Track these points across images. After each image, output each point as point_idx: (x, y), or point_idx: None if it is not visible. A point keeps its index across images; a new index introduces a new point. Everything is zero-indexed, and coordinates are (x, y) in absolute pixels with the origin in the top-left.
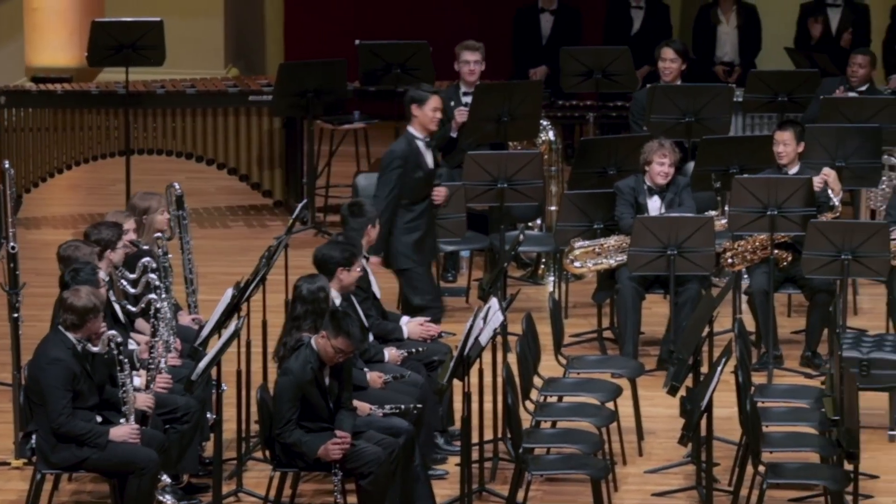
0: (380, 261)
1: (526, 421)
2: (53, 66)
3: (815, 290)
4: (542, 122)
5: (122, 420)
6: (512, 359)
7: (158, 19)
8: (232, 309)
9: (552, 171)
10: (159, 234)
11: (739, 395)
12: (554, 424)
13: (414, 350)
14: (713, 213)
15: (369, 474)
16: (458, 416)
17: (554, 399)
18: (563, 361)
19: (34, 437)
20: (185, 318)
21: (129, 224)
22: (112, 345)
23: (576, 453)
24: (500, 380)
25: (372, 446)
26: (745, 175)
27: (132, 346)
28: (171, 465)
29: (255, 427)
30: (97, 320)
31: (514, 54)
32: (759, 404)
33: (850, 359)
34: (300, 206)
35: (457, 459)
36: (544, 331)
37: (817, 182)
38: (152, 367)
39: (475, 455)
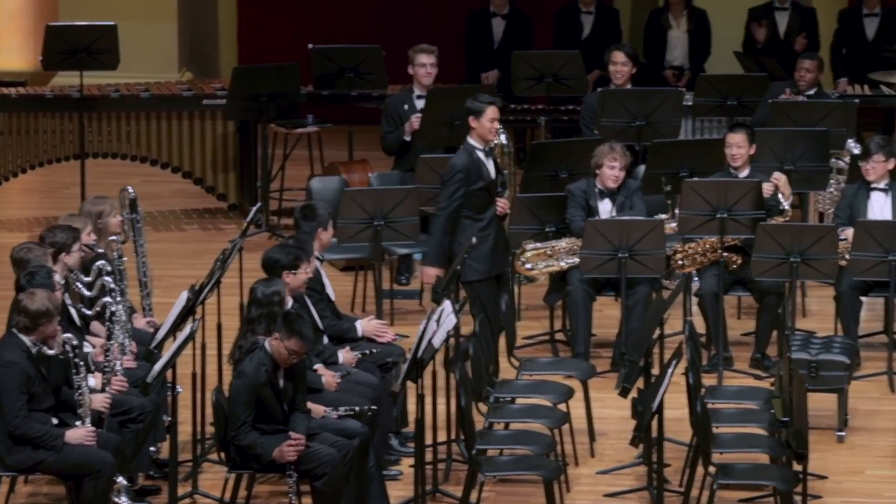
0: (440, 272)
1: (479, 422)
2: (7, 70)
3: (763, 293)
4: None
5: (77, 422)
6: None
7: (112, 23)
8: (187, 312)
9: (505, 174)
10: (114, 238)
11: (690, 397)
12: (507, 426)
13: (368, 351)
14: (663, 216)
15: (324, 475)
16: (411, 417)
17: (507, 401)
18: (516, 363)
19: None
20: (139, 321)
21: (86, 227)
22: (67, 347)
23: (528, 454)
24: (453, 381)
25: (326, 448)
26: (695, 178)
27: (88, 348)
28: (125, 465)
29: (210, 429)
30: (51, 323)
31: (467, 58)
32: (710, 406)
33: (798, 360)
34: (254, 209)
35: (411, 461)
36: None
37: (768, 187)
38: (108, 369)
39: (429, 456)
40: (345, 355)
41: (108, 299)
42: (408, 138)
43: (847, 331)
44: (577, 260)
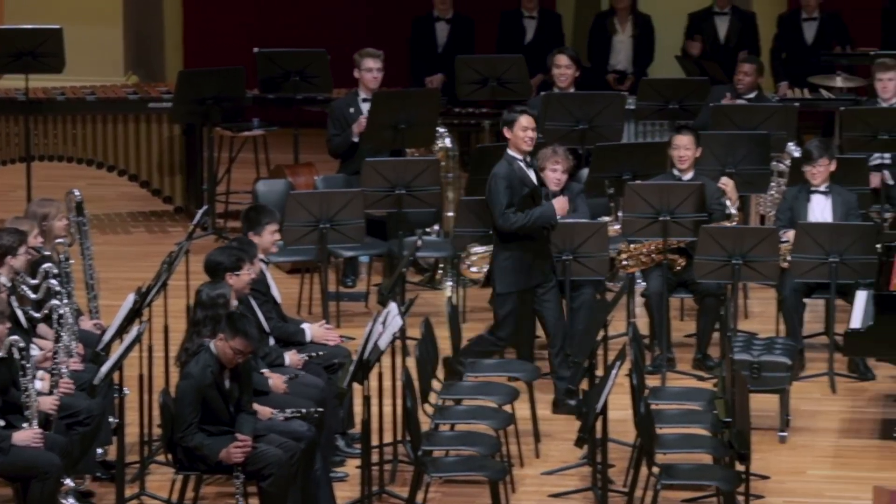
0: (562, 203)
1: (425, 424)
2: None
3: (704, 294)
4: (438, 129)
5: (24, 424)
6: (411, 363)
7: (58, 27)
8: (134, 314)
9: (449, 177)
10: (60, 240)
11: (634, 398)
12: (452, 427)
13: (314, 354)
14: (607, 218)
15: (270, 476)
16: (358, 419)
17: (452, 402)
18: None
19: None
20: (86, 323)
21: (32, 230)
22: (14, 349)
23: (474, 455)
24: (399, 383)
25: (273, 449)
26: (638, 181)
27: (35, 351)
28: (71, 467)
29: (157, 431)
30: None
31: (411, 62)
32: (653, 406)
33: (741, 361)
34: (201, 212)
35: (357, 462)
36: (442, 335)
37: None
38: (55, 371)
39: (375, 457)
40: (291, 357)
41: (55, 301)
42: (356, 139)
43: (789, 332)
44: None
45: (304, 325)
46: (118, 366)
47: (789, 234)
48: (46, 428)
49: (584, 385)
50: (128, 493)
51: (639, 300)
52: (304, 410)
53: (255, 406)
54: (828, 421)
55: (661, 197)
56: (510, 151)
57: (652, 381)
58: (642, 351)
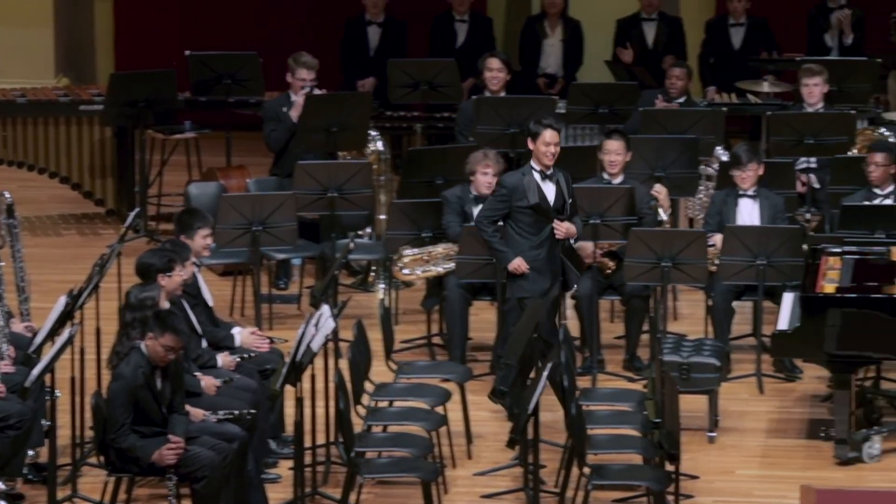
0: (519, 262)
1: (357, 425)
2: None
3: (630, 296)
4: (370, 132)
5: None
6: (343, 364)
7: None
8: (65, 316)
9: (381, 180)
10: None
11: (565, 399)
12: (385, 429)
13: (246, 356)
14: None
15: (203, 478)
16: (290, 420)
17: (385, 404)
18: (394, 367)
19: None
20: (17, 326)
21: None
22: None
23: (406, 457)
24: (331, 385)
25: (206, 451)
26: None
27: None
28: (1, 469)
29: (89, 433)
30: None
31: (343, 65)
32: (584, 408)
33: (670, 363)
34: (132, 214)
35: (290, 463)
36: (375, 337)
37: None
38: None
39: (308, 459)
40: (224, 360)
41: None
42: (294, 119)
43: (718, 334)
44: (453, 265)
45: (234, 331)
46: (50, 368)
47: (716, 238)
48: None
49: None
50: (60, 495)
51: (569, 302)
52: (236, 412)
53: (188, 408)
54: (756, 421)
55: (591, 200)
56: (532, 162)
57: (583, 383)
58: (573, 352)
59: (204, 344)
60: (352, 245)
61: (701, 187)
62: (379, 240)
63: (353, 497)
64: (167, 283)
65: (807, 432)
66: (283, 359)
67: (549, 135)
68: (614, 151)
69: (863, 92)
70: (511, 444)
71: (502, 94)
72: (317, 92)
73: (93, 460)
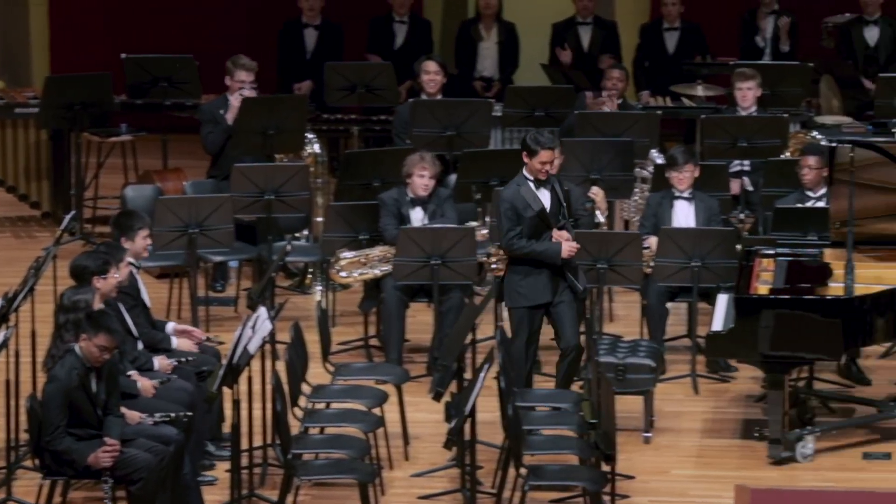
0: (567, 238)
1: (294, 427)
2: None
3: None
4: (307, 135)
5: None
6: (280, 366)
7: None
8: (0, 319)
9: (318, 182)
10: None
11: (502, 400)
12: (322, 430)
13: (184, 359)
14: (474, 223)
15: (139, 481)
16: (227, 422)
17: (322, 405)
18: (331, 369)
19: None
20: None
21: None
22: None
23: (343, 458)
24: (268, 387)
25: (142, 453)
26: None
27: None
28: None
29: (24, 436)
30: None
31: (280, 68)
32: (521, 409)
33: (606, 364)
34: (68, 217)
35: (226, 465)
36: (312, 339)
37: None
38: None
39: (245, 461)
40: (161, 362)
41: None
42: (230, 122)
43: (653, 335)
44: (390, 267)
45: (170, 333)
46: None
47: (651, 240)
48: None
49: (453, 388)
50: None
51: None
52: (173, 414)
53: (124, 410)
54: (691, 421)
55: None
56: (524, 172)
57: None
58: (510, 354)
59: (140, 346)
60: (289, 247)
61: (636, 190)
62: (316, 242)
63: (289, 499)
64: (102, 285)
65: (741, 432)
66: (220, 361)
67: (545, 155)
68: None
69: (795, 96)
70: (448, 444)
71: (439, 96)
72: (247, 93)
73: (28, 463)
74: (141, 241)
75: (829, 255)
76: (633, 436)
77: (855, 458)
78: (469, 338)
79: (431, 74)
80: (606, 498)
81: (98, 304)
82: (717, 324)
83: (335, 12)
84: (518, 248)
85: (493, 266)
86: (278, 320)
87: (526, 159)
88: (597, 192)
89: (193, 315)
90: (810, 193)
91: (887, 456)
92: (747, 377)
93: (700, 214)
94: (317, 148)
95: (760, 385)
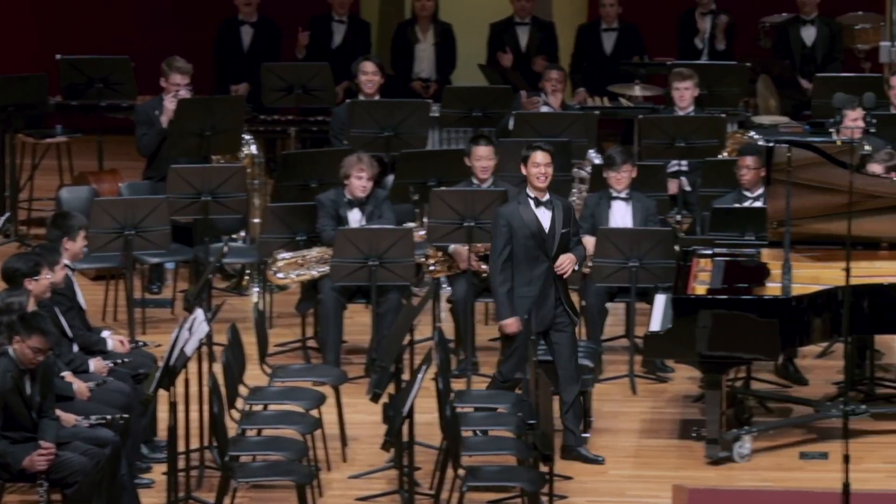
0: (515, 321)
1: (232, 429)
2: None
3: None
4: (244, 136)
5: None
6: (217, 368)
7: None
8: None
9: (255, 184)
10: None
11: (440, 401)
12: (259, 432)
13: (119, 361)
14: (412, 224)
15: (75, 484)
16: (163, 425)
17: (259, 407)
18: (268, 370)
19: None
20: None
21: None
22: None
23: (281, 460)
24: (205, 389)
25: (77, 456)
26: (443, 188)
27: None
28: None
29: None
30: None
31: (216, 67)
32: (459, 410)
33: (544, 364)
34: (3, 219)
35: (163, 468)
36: (249, 340)
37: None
38: None
39: (181, 463)
40: (96, 364)
41: None
42: (165, 125)
43: (591, 335)
44: (328, 268)
45: (105, 336)
46: None
47: (587, 241)
48: None
49: (391, 389)
50: None
51: (444, 305)
52: (108, 417)
53: (60, 413)
54: (629, 422)
55: (465, 203)
56: (527, 189)
57: (458, 385)
58: (448, 355)
59: (75, 348)
60: (226, 249)
61: (574, 190)
62: (253, 243)
63: (227, 501)
64: (34, 287)
65: (679, 432)
66: (157, 363)
67: (539, 156)
68: (486, 157)
69: (733, 95)
70: (386, 446)
71: (377, 97)
72: (183, 94)
73: None
74: (82, 240)
75: (767, 255)
76: None
77: (792, 457)
78: (407, 339)
79: (369, 75)
80: (545, 498)
81: (32, 306)
82: (655, 324)
83: (274, 10)
84: (493, 276)
85: (431, 267)
86: (215, 322)
87: (524, 170)
88: None
89: (129, 317)
90: (748, 193)
91: (824, 455)
92: (685, 377)
93: (637, 214)
94: (254, 149)
95: (698, 385)
